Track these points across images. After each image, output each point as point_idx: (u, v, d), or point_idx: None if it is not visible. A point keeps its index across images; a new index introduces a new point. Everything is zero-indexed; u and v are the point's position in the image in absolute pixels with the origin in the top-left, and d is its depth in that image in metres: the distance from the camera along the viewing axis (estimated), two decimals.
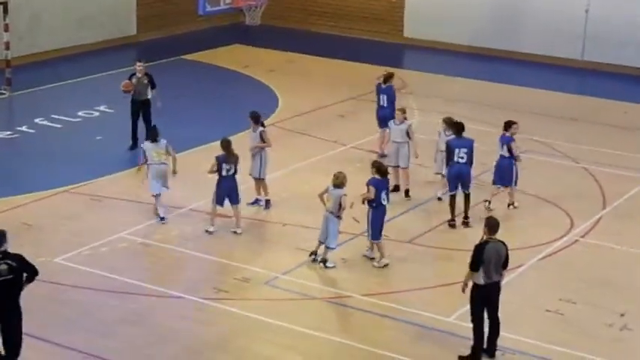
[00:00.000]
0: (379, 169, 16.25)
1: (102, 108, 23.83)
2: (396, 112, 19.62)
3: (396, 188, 19.07)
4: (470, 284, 13.46)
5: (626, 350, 14.14)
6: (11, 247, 16.54)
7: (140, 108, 21.39)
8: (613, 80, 28.65)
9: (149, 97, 21.35)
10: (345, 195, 15.95)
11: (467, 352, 13.58)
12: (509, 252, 13.59)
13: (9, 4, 25.47)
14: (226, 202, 17.42)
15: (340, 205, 15.95)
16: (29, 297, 14.91)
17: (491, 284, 13.36)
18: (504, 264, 13.49)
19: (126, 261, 16.39)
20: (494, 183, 18.64)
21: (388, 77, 21.37)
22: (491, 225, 13.44)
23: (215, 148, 21.55)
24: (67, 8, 29.34)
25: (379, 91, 21.36)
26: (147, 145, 17.85)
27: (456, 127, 18.10)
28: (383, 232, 16.34)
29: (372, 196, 15.99)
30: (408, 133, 19.21)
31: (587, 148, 22.06)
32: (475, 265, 13.24)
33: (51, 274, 15.70)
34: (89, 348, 13.59)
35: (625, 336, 14.50)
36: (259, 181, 18.57)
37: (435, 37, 31.77)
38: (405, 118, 19.45)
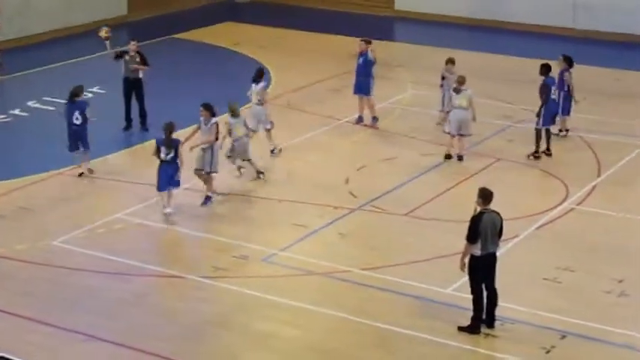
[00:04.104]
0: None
1: (94, 89, 23.75)
2: (458, 79, 19.76)
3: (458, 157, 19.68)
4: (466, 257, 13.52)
5: (625, 316, 14.19)
6: (11, 230, 16.70)
7: (132, 88, 21.34)
8: (604, 48, 28.63)
9: (140, 76, 21.29)
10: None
11: (466, 323, 13.66)
12: (505, 222, 13.65)
13: None
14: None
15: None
16: (31, 281, 15.05)
17: (488, 255, 13.41)
18: (499, 234, 13.57)
19: (123, 242, 16.41)
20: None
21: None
22: (485, 195, 13.46)
23: None
24: None
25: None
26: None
27: (546, 68, 19.94)
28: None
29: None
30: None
31: (581, 116, 22.06)
32: (473, 237, 13.28)
33: (50, 257, 15.76)
34: (91, 330, 13.64)
35: (623, 302, 14.57)
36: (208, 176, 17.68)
37: (425, 10, 31.69)
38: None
